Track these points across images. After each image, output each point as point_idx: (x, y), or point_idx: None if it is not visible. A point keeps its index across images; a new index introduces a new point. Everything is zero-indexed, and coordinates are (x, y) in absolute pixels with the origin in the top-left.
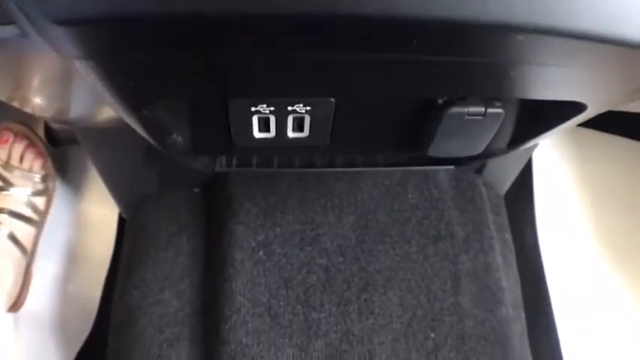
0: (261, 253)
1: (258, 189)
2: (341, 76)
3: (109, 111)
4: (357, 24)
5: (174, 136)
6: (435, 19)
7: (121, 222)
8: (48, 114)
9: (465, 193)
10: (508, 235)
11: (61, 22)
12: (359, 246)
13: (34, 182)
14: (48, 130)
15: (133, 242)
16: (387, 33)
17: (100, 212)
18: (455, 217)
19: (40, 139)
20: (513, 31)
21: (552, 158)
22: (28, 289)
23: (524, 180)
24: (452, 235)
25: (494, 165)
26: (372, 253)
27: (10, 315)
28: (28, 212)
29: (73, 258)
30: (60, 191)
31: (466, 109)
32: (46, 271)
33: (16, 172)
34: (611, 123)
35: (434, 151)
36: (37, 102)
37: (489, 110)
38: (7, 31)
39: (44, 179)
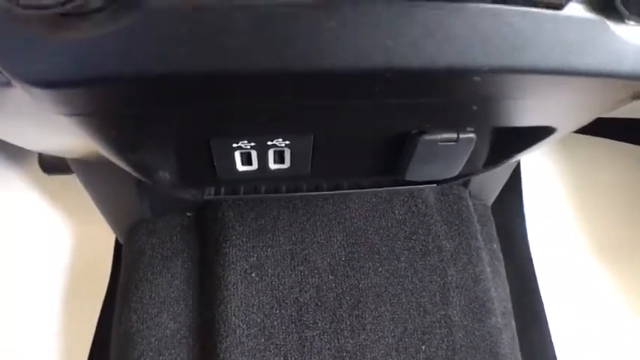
0: (253, 275)
1: (249, 211)
2: (315, 118)
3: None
4: (323, 77)
5: (161, 173)
6: (394, 69)
7: (118, 246)
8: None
9: (452, 206)
10: (496, 245)
11: (39, 84)
12: (349, 264)
13: None
14: (41, 157)
15: (129, 267)
16: (353, 84)
17: (97, 237)
18: (442, 230)
19: None
20: (470, 74)
21: (540, 161)
22: None
23: (513, 183)
24: (440, 248)
25: (480, 177)
26: (362, 270)
27: (9, 340)
28: None
29: (70, 283)
30: (57, 217)
31: (439, 136)
32: (45, 295)
33: None
34: (600, 127)
35: (411, 176)
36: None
37: (461, 136)
38: None
39: None
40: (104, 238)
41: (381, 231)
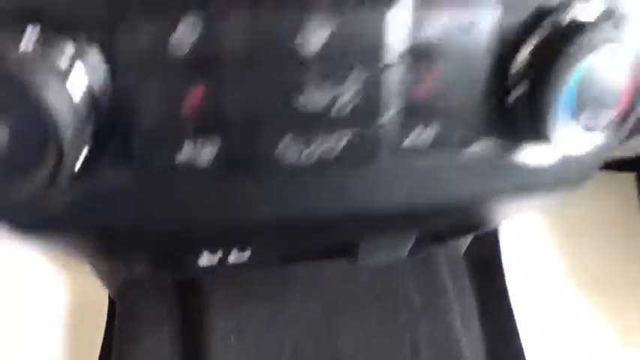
0: (232, 339)
1: (228, 277)
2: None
3: None
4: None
5: (136, 267)
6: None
7: (112, 304)
8: None
9: (423, 260)
10: (469, 297)
11: (22, 229)
12: (325, 324)
13: None
14: None
15: (121, 328)
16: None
17: (92, 295)
18: (412, 285)
19: None
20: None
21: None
22: None
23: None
24: (410, 304)
25: None
26: (337, 329)
27: None
28: None
29: (66, 341)
30: (53, 268)
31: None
32: (43, 346)
33: None
34: None
35: (362, 261)
36: None
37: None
38: None
39: None
40: (100, 296)
41: (354, 290)
